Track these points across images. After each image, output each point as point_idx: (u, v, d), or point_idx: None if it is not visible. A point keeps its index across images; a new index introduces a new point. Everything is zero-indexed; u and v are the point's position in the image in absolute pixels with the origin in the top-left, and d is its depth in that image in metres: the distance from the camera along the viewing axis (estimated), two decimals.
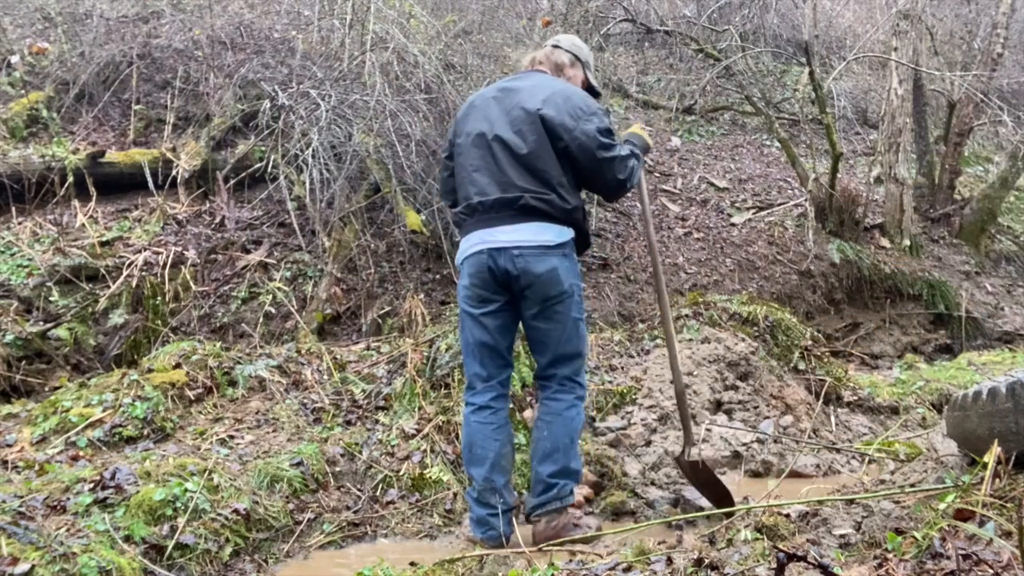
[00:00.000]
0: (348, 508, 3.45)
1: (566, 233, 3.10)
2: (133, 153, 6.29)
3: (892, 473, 2.70)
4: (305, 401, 4.16)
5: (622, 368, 4.78)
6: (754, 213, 7.95)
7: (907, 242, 7.86)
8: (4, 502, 2.80)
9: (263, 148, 6.26)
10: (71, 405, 3.84)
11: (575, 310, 3.12)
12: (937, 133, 9.56)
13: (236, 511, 3.12)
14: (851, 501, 2.32)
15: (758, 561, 1.98)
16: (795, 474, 3.91)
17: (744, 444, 4.12)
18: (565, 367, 3.15)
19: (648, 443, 4.07)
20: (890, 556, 1.86)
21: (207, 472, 3.20)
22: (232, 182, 6.21)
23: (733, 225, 7.71)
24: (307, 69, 6.44)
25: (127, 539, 2.81)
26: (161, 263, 5.51)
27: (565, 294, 3.08)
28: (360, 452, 3.70)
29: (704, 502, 3.44)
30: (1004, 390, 2.03)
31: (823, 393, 4.89)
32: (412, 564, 2.74)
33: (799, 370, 5.09)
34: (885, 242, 7.84)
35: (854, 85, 11.13)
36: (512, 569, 2.49)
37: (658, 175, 8.50)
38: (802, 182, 7.89)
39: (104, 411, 3.80)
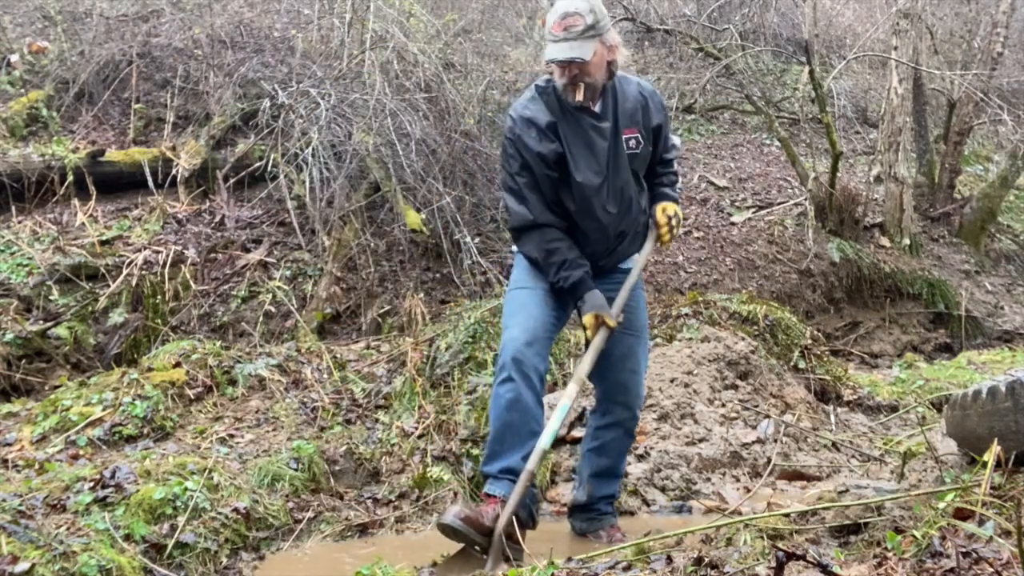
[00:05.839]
0: (348, 507, 3.45)
1: None
2: (133, 152, 6.29)
3: (892, 473, 2.70)
4: (305, 400, 4.16)
5: None
6: (754, 212, 7.95)
7: (907, 241, 7.86)
8: (4, 501, 2.80)
9: (263, 147, 6.26)
10: (71, 404, 3.84)
11: None
12: (937, 132, 9.54)
13: (236, 510, 3.12)
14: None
15: (758, 560, 1.98)
16: (796, 474, 3.92)
17: (744, 444, 4.12)
18: None
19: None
20: (890, 555, 1.86)
21: (207, 471, 3.20)
22: (232, 181, 6.21)
23: (733, 224, 7.71)
24: (307, 68, 6.44)
25: (127, 538, 2.81)
26: (161, 262, 5.51)
27: None
28: (360, 451, 3.70)
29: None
30: (1004, 389, 2.04)
31: (821, 392, 4.89)
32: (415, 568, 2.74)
33: (799, 369, 5.09)
34: (885, 241, 7.84)
35: (854, 84, 11.11)
36: (512, 568, 2.49)
37: None
38: (802, 181, 7.89)
39: (104, 410, 3.79)
